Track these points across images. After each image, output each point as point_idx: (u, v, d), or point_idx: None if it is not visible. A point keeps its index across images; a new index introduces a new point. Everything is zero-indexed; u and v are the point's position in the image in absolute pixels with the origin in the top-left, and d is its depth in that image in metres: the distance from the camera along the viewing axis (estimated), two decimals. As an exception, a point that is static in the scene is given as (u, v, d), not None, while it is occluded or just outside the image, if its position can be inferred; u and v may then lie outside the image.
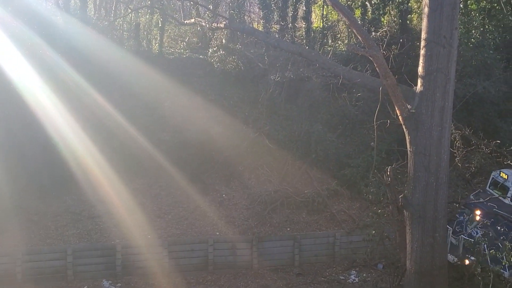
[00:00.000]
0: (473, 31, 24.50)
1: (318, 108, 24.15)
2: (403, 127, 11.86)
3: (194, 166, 22.87)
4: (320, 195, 22.47)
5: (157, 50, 27.18)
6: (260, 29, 27.76)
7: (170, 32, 29.64)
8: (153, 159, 22.33)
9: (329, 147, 23.20)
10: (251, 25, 30.62)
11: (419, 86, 11.58)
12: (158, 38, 27.41)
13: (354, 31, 12.05)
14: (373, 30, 25.20)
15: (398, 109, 11.75)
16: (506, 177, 17.79)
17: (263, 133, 23.73)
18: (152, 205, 21.42)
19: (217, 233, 20.99)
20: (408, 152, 11.81)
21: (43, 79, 21.82)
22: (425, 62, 11.34)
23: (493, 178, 18.23)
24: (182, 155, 22.73)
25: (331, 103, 24.45)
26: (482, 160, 13.61)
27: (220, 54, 25.24)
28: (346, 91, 24.00)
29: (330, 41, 29.54)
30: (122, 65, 23.66)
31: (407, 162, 12.70)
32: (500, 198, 17.73)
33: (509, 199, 17.62)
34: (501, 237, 16.30)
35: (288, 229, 21.59)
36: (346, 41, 28.09)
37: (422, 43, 11.41)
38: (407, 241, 12.07)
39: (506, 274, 15.52)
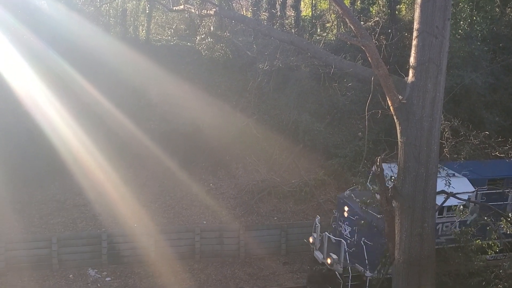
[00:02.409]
0: (461, 22, 24.57)
1: (306, 98, 24.07)
2: (394, 117, 11.81)
3: (181, 155, 22.70)
4: (307, 185, 22.53)
5: (144, 37, 26.75)
6: (249, 16, 27.48)
7: (157, 19, 29.16)
8: (140, 148, 22.11)
9: (317, 137, 23.20)
10: (240, 12, 30.32)
11: (410, 77, 11.53)
12: (145, 25, 26.95)
13: (347, 20, 11.95)
14: (362, 20, 25.13)
15: (389, 99, 11.69)
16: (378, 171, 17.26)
17: (250, 122, 23.62)
18: (138, 193, 21.24)
19: (204, 222, 20.94)
20: (399, 142, 11.79)
21: (27, 65, 21.37)
22: (417, 52, 11.28)
23: (372, 172, 17.30)
24: (169, 144, 22.53)
25: (319, 93, 24.38)
26: (471, 151, 13.73)
27: (208, 41, 24.95)
28: (337, 80, 23.94)
29: (319, 30, 29.38)
30: (109, 52, 23.23)
31: (395, 152, 12.71)
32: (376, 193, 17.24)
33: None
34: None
35: (275, 218, 21.63)
36: (334, 31, 27.96)
37: (415, 34, 11.34)
38: (396, 231, 12.11)
39: (368, 274, 15.61)
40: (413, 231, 11.78)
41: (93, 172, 20.70)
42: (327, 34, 27.70)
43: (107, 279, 18.52)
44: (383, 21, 24.65)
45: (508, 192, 15.96)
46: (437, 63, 11.17)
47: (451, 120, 13.81)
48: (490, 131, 17.85)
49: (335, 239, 16.59)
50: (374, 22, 21.47)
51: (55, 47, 22.11)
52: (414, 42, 11.38)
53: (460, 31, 24.34)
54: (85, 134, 21.08)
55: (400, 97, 11.53)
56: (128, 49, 23.86)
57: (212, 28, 25.77)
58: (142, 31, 27.25)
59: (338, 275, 15.97)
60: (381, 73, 11.48)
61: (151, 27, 27.34)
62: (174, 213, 21.21)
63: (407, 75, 11.68)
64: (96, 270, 18.87)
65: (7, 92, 21.07)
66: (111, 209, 20.17)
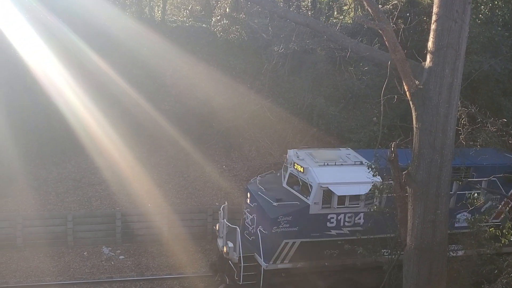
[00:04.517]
0: (482, 6, 24.03)
1: (321, 81, 23.90)
2: (410, 103, 11.66)
3: (195, 136, 22.81)
4: (320, 169, 22.44)
5: (160, 17, 26.72)
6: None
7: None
8: (154, 128, 22.26)
9: (331, 121, 23.08)
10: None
11: (428, 62, 11.32)
12: (161, 5, 26.90)
13: (365, 3, 11.71)
14: (379, 3, 24.73)
15: (406, 84, 11.52)
16: (287, 158, 16.60)
17: (265, 105, 23.57)
18: (152, 173, 21.46)
19: (217, 203, 21.06)
20: (414, 128, 11.64)
21: (44, 44, 21.50)
22: (435, 37, 11.05)
23: (285, 158, 16.99)
24: (183, 125, 22.64)
25: (335, 76, 24.19)
26: (488, 139, 13.52)
27: (223, 23, 24.83)
28: (353, 64, 23.69)
29: (336, 13, 29.02)
30: (124, 32, 23.26)
31: (410, 138, 12.58)
32: (282, 180, 16.59)
33: (285, 181, 16.42)
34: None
35: (288, 201, 21.66)
36: (351, 14, 27.60)
37: (433, 18, 11.11)
38: (409, 217, 12.06)
39: (264, 265, 15.18)
40: (426, 218, 11.70)
41: (108, 152, 20.92)
42: (344, 17, 27.38)
43: (121, 257, 18.83)
44: (401, 4, 24.25)
45: None
46: (455, 48, 10.94)
47: (468, 106, 13.59)
48: (508, 119, 17.59)
49: (231, 227, 16.09)
50: (392, 5, 21.07)
51: (71, 26, 22.20)
52: (432, 27, 11.16)
53: (480, 15, 23.85)
54: (100, 113, 21.26)
55: (416, 82, 11.37)
56: (144, 30, 23.88)
57: (227, 9, 25.62)
58: (158, 11, 27.22)
59: (231, 264, 15.56)
60: (398, 57, 11.31)
61: (166, 7, 27.28)
62: (187, 193, 21.40)
63: (425, 60, 11.48)
64: (110, 248, 19.17)
65: (23, 71, 21.26)
66: (126, 189, 20.42)
